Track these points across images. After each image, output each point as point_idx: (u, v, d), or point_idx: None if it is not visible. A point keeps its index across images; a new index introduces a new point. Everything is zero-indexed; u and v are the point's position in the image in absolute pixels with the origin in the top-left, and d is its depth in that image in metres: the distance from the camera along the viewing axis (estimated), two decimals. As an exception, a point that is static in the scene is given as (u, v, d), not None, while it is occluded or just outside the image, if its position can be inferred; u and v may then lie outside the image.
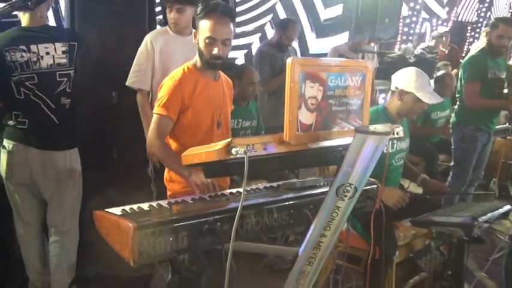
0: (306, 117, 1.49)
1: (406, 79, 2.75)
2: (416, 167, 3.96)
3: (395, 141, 2.73)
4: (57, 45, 2.50)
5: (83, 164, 2.77)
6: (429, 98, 2.72)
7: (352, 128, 1.61)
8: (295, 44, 4.76)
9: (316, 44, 5.87)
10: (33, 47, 2.45)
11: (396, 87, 2.77)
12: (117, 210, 1.63)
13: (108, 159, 3.19)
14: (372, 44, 4.94)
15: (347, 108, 1.62)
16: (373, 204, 2.02)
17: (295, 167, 2.67)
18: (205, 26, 2.13)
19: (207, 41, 2.13)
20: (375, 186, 2.05)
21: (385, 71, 4.83)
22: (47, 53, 2.46)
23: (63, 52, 2.51)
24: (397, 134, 1.82)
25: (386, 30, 5.20)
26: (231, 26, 2.16)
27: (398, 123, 2.66)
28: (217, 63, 2.19)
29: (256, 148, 1.39)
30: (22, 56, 2.43)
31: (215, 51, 2.13)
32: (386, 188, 2.55)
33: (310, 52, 5.75)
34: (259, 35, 5.20)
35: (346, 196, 1.54)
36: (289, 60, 1.41)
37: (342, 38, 5.57)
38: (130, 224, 1.43)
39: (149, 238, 1.43)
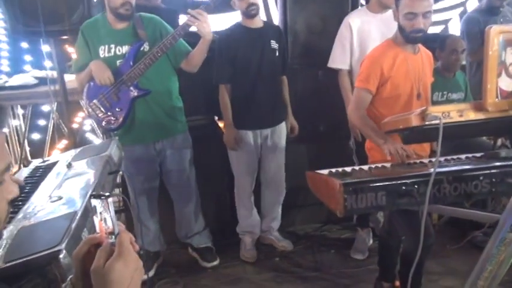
0: (507, 84, 1.50)
1: None
2: None
3: None
4: None
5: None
6: None
7: None
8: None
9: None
10: None
11: None
12: (324, 171, 1.91)
13: (315, 132, 3.52)
14: None
15: (558, 74, 1.55)
16: None
17: (492, 133, 2.55)
18: (404, 3, 2.25)
19: (408, 16, 2.24)
20: None
21: None
22: None
23: None
24: None
25: None
26: None
27: None
28: (418, 37, 2.28)
29: (451, 115, 1.48)
30: None
31: (417, 25, 2.22)
32: None
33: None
34: (460, 9, 4.84)
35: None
36: (487, 29, 1.44)
37: None
38: (337, 182, 1.69)
39: (352, 194, 1.67)
